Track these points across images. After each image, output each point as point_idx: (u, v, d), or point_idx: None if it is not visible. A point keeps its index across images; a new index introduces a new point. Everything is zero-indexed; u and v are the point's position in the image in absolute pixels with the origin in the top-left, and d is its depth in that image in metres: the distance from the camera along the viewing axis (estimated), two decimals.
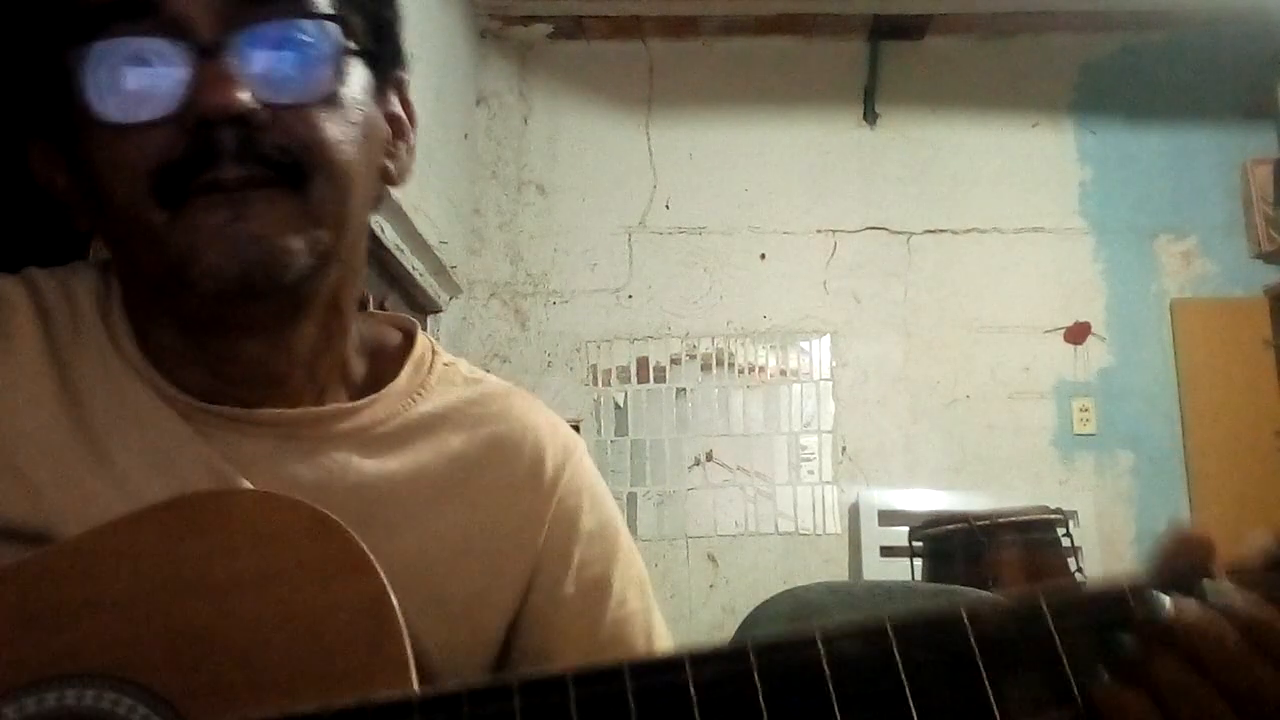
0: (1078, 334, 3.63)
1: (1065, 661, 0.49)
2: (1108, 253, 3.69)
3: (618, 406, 3.60)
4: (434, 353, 0.79)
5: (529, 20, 3.65)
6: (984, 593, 1.17)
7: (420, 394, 0.75)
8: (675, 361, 3.63)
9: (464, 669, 0.69)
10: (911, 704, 0.47)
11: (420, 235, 2.90)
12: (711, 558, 3.50)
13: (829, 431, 3.59)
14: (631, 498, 3.53)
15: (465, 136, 3.58)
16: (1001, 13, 3.62)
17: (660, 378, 3.61)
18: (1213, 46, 3.69)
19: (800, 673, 0.48)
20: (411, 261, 2.96)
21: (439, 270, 3.22)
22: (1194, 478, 3.52)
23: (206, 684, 0.52)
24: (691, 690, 0.47)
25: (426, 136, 2.93)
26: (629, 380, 3.61)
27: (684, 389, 3.62)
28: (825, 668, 0.48)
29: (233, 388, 0.68)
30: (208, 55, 0.61)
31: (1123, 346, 3.63)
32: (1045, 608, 0.49)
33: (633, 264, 3.67)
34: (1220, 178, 3.72)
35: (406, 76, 0.77)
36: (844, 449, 3.58)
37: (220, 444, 0.66)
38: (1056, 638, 0.49)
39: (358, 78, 0.68)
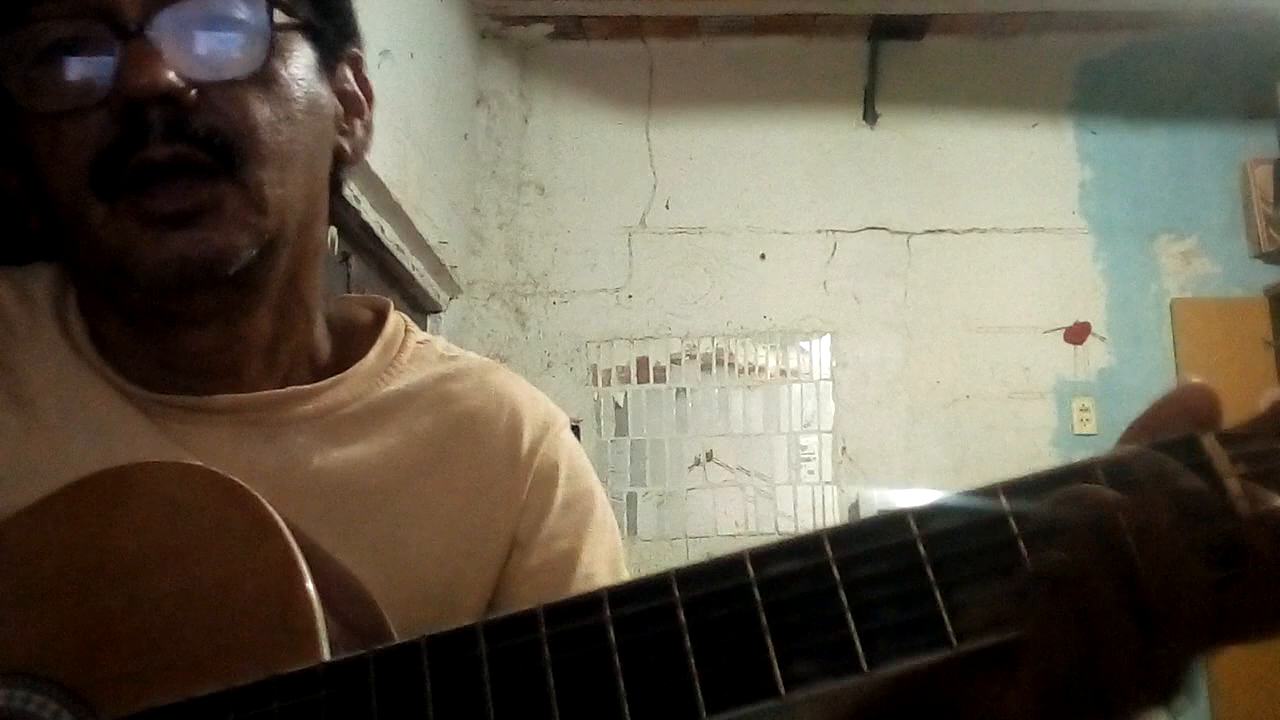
0: (1078, 334, 3.63)
1: (1025, 554, 0.42)
2: (1108, 253, 3.69)
3: (618, 406, 3.60)
4: (407, 331, 0.76)
5: (529, 20, 3.65)
6: None
7: (390, 373, 0.72)
8: (675, 361, 3.62)
9: None
10: (853, 626, 0.42)
11: (420, 235, 2.90)
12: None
13: (829, 431, 3.59)
14: (631, 498, 3.53)
15: (465, 136, 3.58)
16: (1001, 13, 3.62)
17: (660, 378, 3.61)
18: (1213, 46, 3.69)
19: (729, 601, 0.43)
20: (411, 261, 2.96)
21: (439, 270, 3.22)
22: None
23: (117, 672, 0.50)
24: (611, 632, 0.43)
25: (426, 136, 2.93)
26: (629, 380, 3.60)
27: (684, 389, 3.61)
28: (756, 593, 0.43)
29: (186, 379, 0.66)
30: (132, 36, 0.59)
31: (1123, 346, 3.63)
32: (1002, 495, 0.43)
33: (633, 264, 3.66)
34: (1220, 178, 3.71)
35: (360, 51, 0.74)
36: (844, 449, 3.58)
37: (177, 434, 0.65)
38: (1013, 524, 0.42)
39: (298, 54, 0.65)
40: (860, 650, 0.41)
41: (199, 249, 0.60)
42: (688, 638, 0.43)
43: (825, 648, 0.42)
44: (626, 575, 0.74)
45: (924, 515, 0.43)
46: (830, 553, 0.43)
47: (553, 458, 0.74)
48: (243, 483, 0.54)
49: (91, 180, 0.60)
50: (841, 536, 0.43)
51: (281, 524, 0.53)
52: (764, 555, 0.44)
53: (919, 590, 0.42)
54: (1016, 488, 0.43)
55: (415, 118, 2.82)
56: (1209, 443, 0.43)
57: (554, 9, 3.57)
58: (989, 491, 0.43)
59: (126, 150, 0.59)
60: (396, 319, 0.77)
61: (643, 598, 0.44)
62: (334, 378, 0.70)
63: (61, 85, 0.60)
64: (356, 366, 0.72)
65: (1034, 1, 3.55)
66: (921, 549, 0.43)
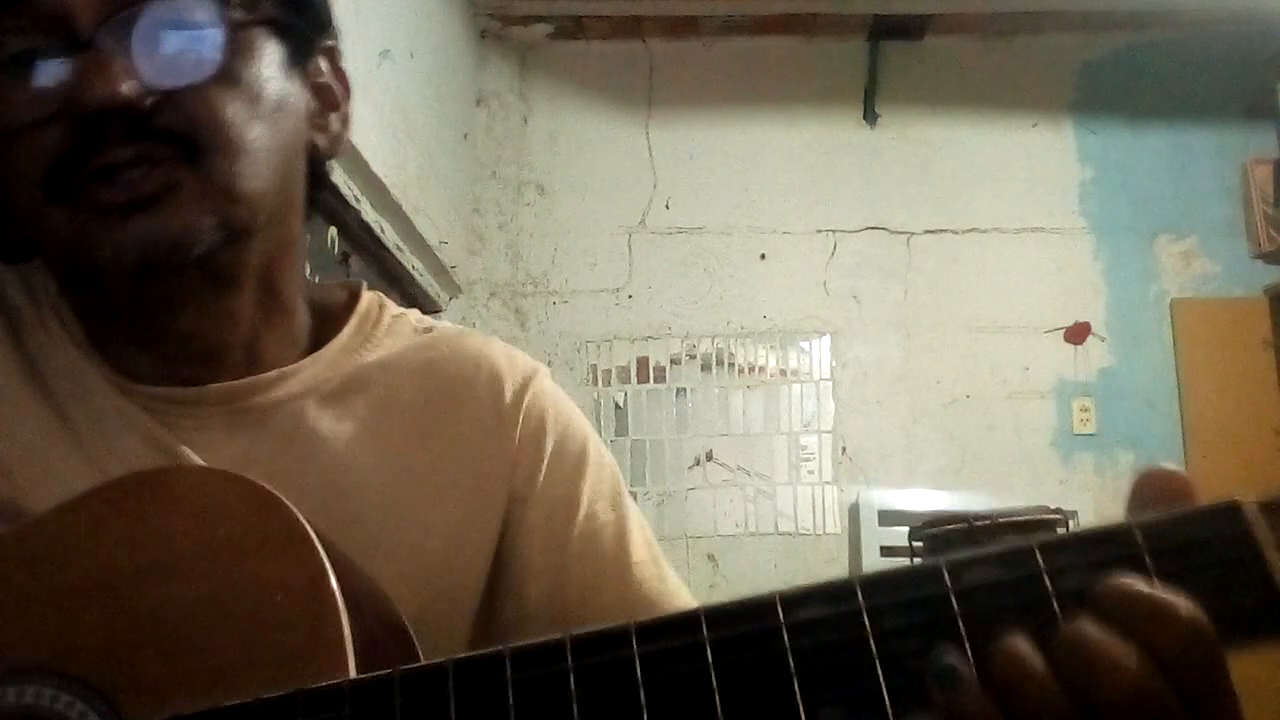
0: (1078, 334, 3.63)
1: (1059, 614, 0.41)
2: (1108, 253, 3.69)
3: (618, 406, 3.60)
4: (381, 306, 0.77)
5: (529, 20, 3.65)
6: None
7: (367, 347, 0.73)
8: (675, 361, 3.62)
9: (448, 626, 0.67)
10: (882, 679, 0.41)
11: (420, 235, 2.90)
12: (711, 558, 3.50)
13: (829, 431, 3.59)
14: (631, 498, 3.52)
15: (465, 136, 3.58)
16: (1001, 13, 3.62)
17: (660, 378, 3.61)
18: (1213, 46, 3.68)
19: (759, 644, 0.43)
20: (411, 261, 2.96)
21: (439, 270, 3.22)
22: (1194, 478, 3.50)
23: (144, 675, 0.50)
24: (638, 667, 0.43)
25: (426, 136, 2.93)
26: (629, 380, 3.60)
27: (684, 389, 3.61)
28: (785, 637, 0.42)
29: (175, 367, 0.67)
30: (85, 47, 0.58)
31: (1123, 346, 3.63)
32: (1038, 553, 0.43)
33: (633, 264, 3.66)
34: (1220, 178, 3.71)
35: (336, 43, 0.74)
36: (844, 449, 3.58)
37: (171, 426, 0.66)
38: (1049, 582, 0.42)
39: (262, 51, 0.65)
40: (889, 703, 0.41)
41: (157, 233, 0.59)
42: (715, 678, 0.42)
43: (854, 698, 0.42)
44: (632, 508, 0.76)
45: (957, 567, 0.43)
46: (862, 601, 0.43)
47: (539, 407, 0.75)
48: (276, 491, 0.54)
49: (45, 185, 0.60)
50: (874, 585, 0.43)
51: (312, 534, 0.52)
52: (795, 599, 0.43)
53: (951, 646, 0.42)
54: (1054, 545, 0.43)
55: (415, 118, 2.82)
56: (1250, 511, 0.43)
57: (554, 9, 3.57)
58: (1025, 548, 0.43)
59: (84, 156, 0.59)
60: (370, 296, 0.77)
61: (671, 635, 0.44)
62: (312, 356, 0.71)
63: (17, 98, 0.59)
64: (332, 343, 0.72)
65: (1034, 1, 3.55)
66: (955, 603, 0.42)
